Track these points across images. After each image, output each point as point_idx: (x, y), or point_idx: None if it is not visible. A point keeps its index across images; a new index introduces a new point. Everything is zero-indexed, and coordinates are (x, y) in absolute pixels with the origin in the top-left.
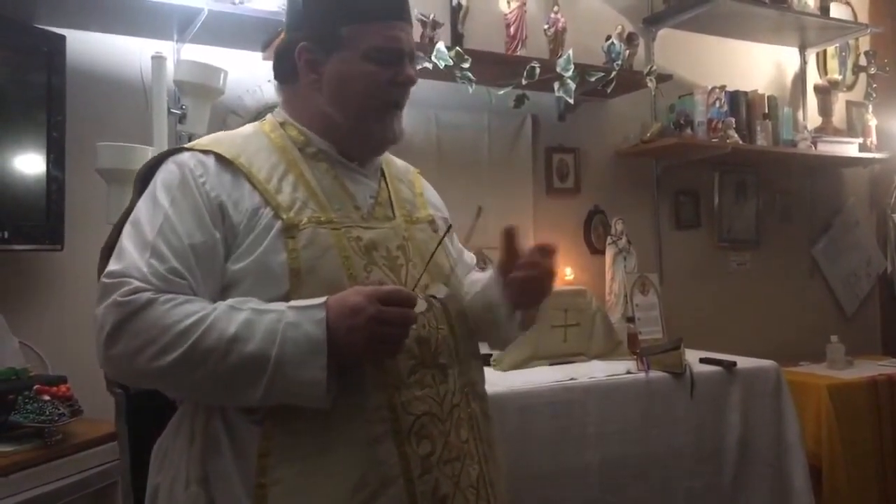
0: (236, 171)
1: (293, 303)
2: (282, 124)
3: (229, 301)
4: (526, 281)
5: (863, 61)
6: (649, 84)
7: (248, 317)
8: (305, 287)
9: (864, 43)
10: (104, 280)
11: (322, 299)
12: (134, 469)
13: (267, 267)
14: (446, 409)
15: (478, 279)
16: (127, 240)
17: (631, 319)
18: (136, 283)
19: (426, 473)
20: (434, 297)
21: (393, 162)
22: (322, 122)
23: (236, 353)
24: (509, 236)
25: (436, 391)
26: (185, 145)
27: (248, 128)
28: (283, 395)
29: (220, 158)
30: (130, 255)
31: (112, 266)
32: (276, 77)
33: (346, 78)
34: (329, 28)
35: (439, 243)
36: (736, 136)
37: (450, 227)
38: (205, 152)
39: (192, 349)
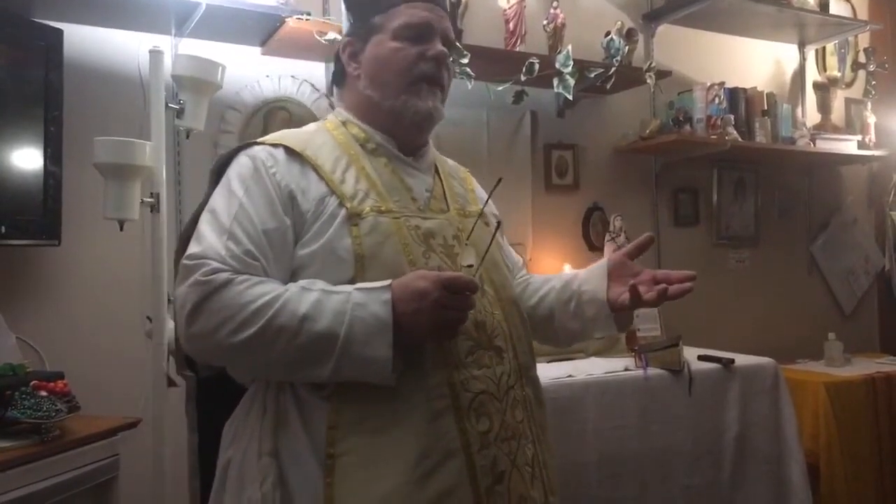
0: (304, 163)
1: (359, 285)
2: (343, 123)
3: (300, 282)
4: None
5: (862, 58)
6: (648, 80)
7: (318, 297)
8: (369, 271)
9: (864, 40)
10: (185, 262)
11: (387, 282)
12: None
13: (334, 252)
14: (502, 390)
15: (551, 277)
16: (205, 225)
17: None
18: (215, 265)
19: (485, 449)
20: (469, 265)
21: (445, 161)
22: (365, 106)
23: (307, 331)
24: (647, 243)
25: (492, 371)
26: (256, 140)
27: (312, 126)
28: (351, 371)
29: (288, 151)
30: (209, 239)
31: (192, 249)
32: (333, 82)
33: (380, 58)
34: (364, 20)
35: (494, 234)
36: (735, 133)
37: (500, 223)
38: (274, 145)
39: (266, 326)
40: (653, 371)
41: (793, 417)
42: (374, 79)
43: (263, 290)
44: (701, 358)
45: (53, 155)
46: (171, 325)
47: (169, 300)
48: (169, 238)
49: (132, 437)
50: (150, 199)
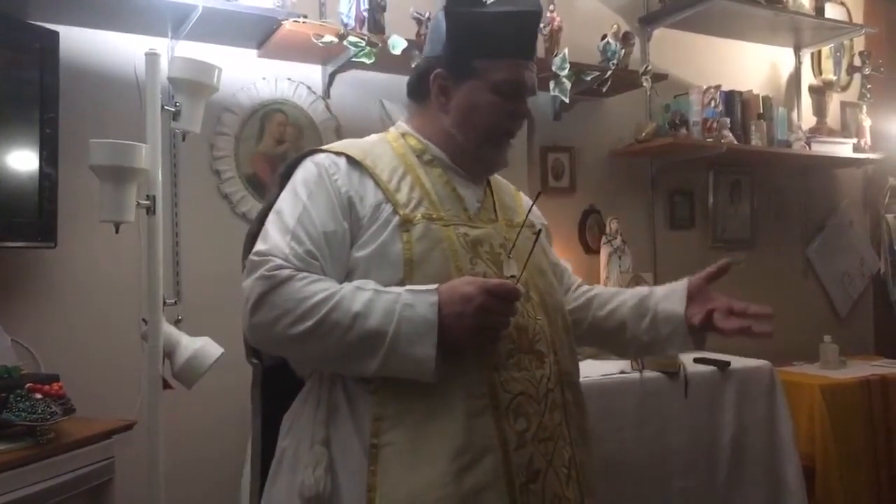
0: (363, 171)
1: (409, 287)
2: (403, 135)
3: (355, 282)
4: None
5: (857, 62)
6: (644, 84)
7: (370, 296)
8: (417, 275)
9: (859, 43)
10: (252, 258)
11: (434, 286)
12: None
13: (386, 255)
14: (541, 392)
15: (620, 291)
16: (271, 225)
17: None
18: (279, 261)
19: (521, 448)
20: (513, 276)
21: (496, 177)
22: (444, 139)
23: (358, 327)
24: (725, 269)
25: (532, 375)
26: (321, 147)
27: (374, 137)
28: (397, 367)
29: (349, 159)
30: (274, 238)
31: (259, 246)
32: (408, 93)
33: (473, 106)
34: (464, 60)
35: (535, 243)
36: (731, 136)
37: (540, 230)
38: (337, 154)
39: (322, 321)
40: (649, 374)
41: (788, 420)
42: (462, 124)
43: (321, 288)
44: (697, 360)
45: (49, 157)
46: (166, 328)
47: (165, 303)
48: (164, 240)
49: (127, 439)
50: (145, 202)
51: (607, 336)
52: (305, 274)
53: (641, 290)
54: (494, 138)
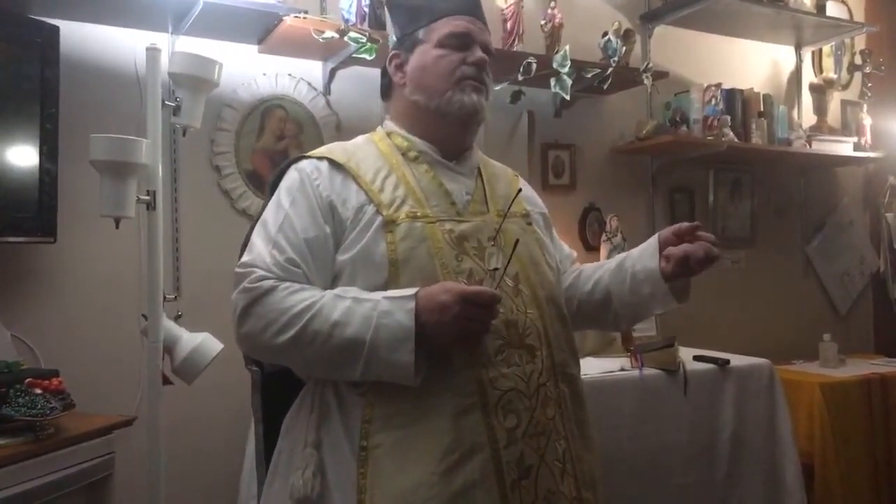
0: (346, 174)
1: (388, 293)
2: (388, 134)
3: (335, 290)
4: (691, 252)
5: (858, 60)
6: (645, 81)
7: (349, 305)
8: (403, 274)
9: (860, 42)
10: (237, 270)
11: (413, 291)
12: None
13: (370, 256)
14: (532, 387)
15: (603, 263)
16: (256, 236)
17: None
18: (261, 272)
19: (511, 444)
20: (496, 268)
21: (491, 164)
22: (412, 111)
23: (338, 335)
24: (695, 227)
25: (522, 370)
26: (305, 154)
27: (360, 138)
28: (378, 373)
29: (332, 163)
30: (258, 248)
31: (244, 258)
32: (381, 96)
33: (424, 65)
34: (408, 34)
35: (514, 247)
36: (731, 133)
37: (531, 222)
38: (319, 158)
39: (303, 330)
40: (648, 371)
41: (788, 418)
42: (419, 84)
43: (302, 297)
44: (696, 358)
45: (49, 152)
46: (166, 323)
47: (165, 298)
48: (164, 236)
49: (127, 434)
50: (146, 197)
51: (597, 309)
52: (288, 284)
53: (620, 255)
54: (453, 83)
